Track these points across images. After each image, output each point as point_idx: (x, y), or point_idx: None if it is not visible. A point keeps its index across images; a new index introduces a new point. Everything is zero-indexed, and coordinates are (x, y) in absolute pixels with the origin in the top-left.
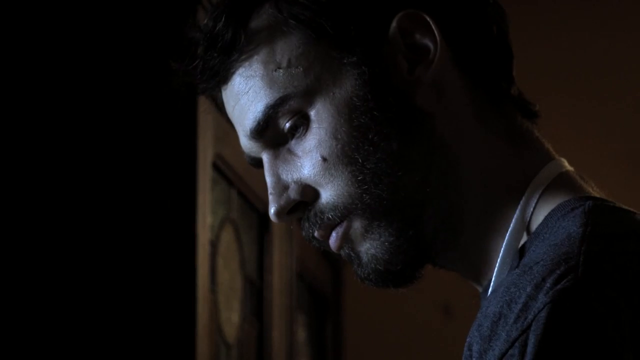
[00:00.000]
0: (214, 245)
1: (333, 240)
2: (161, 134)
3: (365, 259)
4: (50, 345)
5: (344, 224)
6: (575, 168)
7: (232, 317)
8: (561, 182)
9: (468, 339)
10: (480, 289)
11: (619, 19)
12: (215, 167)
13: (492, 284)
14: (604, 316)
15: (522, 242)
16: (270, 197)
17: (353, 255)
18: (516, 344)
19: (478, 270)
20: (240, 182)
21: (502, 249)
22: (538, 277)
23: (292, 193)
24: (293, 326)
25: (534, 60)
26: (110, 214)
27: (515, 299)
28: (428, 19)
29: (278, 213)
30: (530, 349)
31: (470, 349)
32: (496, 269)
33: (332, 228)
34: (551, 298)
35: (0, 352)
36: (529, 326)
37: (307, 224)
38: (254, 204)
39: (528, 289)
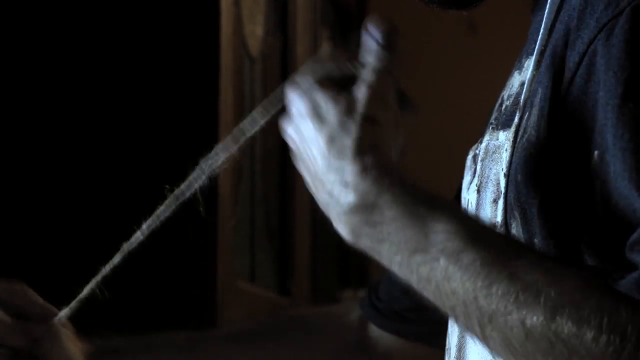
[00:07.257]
0: None
1: None
2: None
3: None
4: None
5: None
6: None
7: (256, 30)
8: None
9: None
10: None
11: None
12: None
13: None
14: None
15: None
16: None
17: None
18: (605, 28)
19: None
20: None
21: None
22: None
23: None
24: (317, 41)
25: None
26: None
27: None
28: None
29: None
30: (618, 36)
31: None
32: None
33: None
34: None
35: None
36: (621, 12)
37: None
38: None
39: None
